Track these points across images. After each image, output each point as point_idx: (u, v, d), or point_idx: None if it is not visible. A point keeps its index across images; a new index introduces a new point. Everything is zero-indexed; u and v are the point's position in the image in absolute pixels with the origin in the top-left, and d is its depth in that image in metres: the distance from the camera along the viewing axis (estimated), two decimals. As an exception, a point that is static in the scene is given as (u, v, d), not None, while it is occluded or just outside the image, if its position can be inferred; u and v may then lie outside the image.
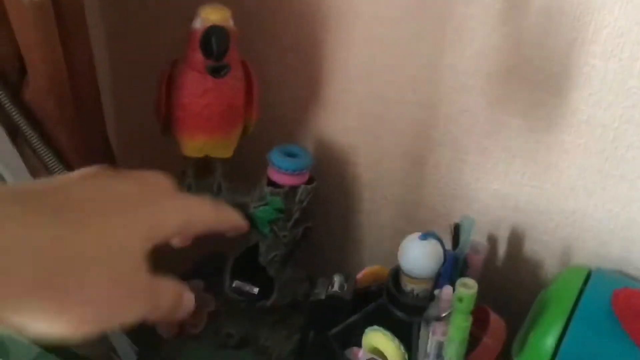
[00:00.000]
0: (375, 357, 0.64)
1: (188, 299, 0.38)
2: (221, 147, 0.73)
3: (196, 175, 0.77)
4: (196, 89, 0.67)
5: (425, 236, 0.65)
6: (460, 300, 0.58)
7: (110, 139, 0.79)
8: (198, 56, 0.65)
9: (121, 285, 0.32)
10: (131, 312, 0.33)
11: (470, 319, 0.59)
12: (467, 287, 0.58)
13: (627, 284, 0.64)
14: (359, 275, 0.72)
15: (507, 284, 0.77)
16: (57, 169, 0.62)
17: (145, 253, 0.34)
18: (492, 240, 0.76)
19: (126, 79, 0.91)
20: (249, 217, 0.77)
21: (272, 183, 0.76)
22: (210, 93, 0.67)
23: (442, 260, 0.66)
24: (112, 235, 0.32)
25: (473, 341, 0.64)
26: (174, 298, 0.37)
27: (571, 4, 0.59)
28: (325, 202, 0.87)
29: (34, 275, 0.28)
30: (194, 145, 0.72)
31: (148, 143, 0.82)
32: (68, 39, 0.57)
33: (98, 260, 0.31)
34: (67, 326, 0.30)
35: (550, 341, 0.61)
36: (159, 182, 0.40)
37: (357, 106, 0.78)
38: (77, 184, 0.34)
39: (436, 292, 0.64)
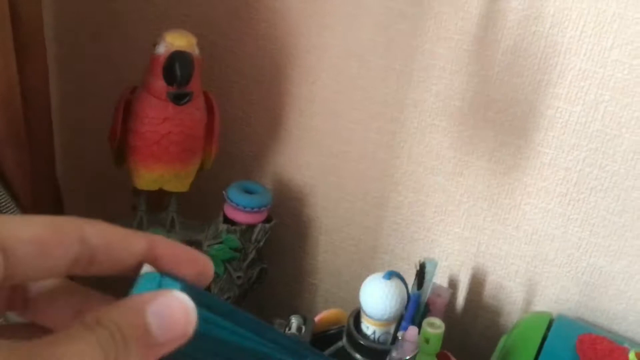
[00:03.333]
0: None
1: None
2: (178, 180, 0.70)
3: (148, 210, 0.73)
4: (156, 116, 0.64)
5: (389, 275, 0.63)
6: (427, 340, 0.56)
7: (56, 165, 0.74)
8: (159, 82, 0.63)
9: None
10: None
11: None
12: (434, 327, 0.56)
13: (589, 330, 0.64)
14: (317, 319, 0.68)
15: (467, 329, 0.75)
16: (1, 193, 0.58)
17: None
18: (453, 285, 0.75)
19: (77, 106, 0.87)
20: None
21: (228, 220, 0.73)
22: (170, 121, 0.64)
23: (406, 301, 0.64)
24: None
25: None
26: None
27: (538, 45, 0.60)
28: (280, 243, 0.84)
29: None
30: (149, 176, 0.68)
31: (97, 174, 0.78)
32: (24, 53, 0.54)
33: None
34: None
35: (516, 387, 0.59)
36: None
37: (319, 144, 0.77)
38: None
39: (399, 334, 0.61)
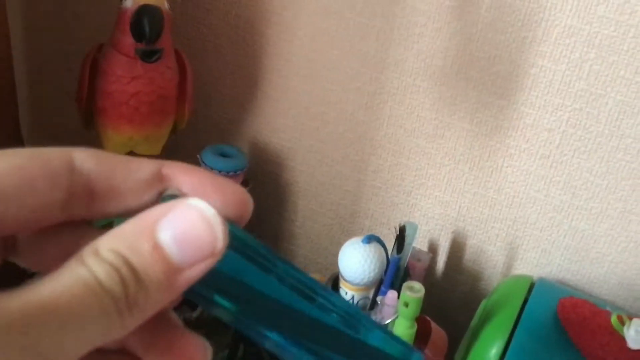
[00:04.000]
0: None
1: None
2: (149, 144, 0.67)
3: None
4: (124, 75, 0.61)
5: (367, 239, 0.61)
6: (405, 304, 0.54)
7: (23, 132, 0.71)
8: (127, 39, 0.60)
9: None
10: None
11: (415, 325, 0.55)
12: (414, 291, 0.54)
13: (570, 293, 0.63)
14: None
15: (447, 293, 0.74)
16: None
17: None
18: (433, 249, 0.73)
19: (44, 66, 0.84)
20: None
21: (203, 185, 0.71)
22: (140, 80, 0.61)
23: (385, 266, 0.62)
24: None
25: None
26: None
27: (522, 1, 0.58)
28: (257, 208, 0.82)
29: None
30: (118, 139, 0.65)
31: (66, 137, 0.75)
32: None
33: None
34: None
35: (494, 351, 0.58)
36: None
37: (297, 106, 0.74)
38: None
39: (379, 298, 0.60)
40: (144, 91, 0.62)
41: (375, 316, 0.58)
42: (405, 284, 0.55)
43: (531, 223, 0.68)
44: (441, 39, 0.63)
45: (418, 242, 0.71)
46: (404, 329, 0.55)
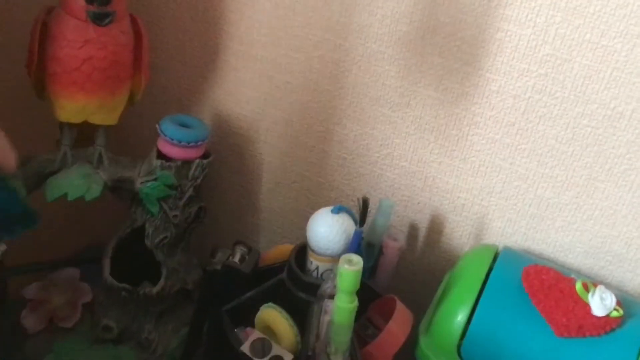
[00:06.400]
0: (264, 337, 0.57)
1: None
2: (104, 112, 0.65)
3: (75, 144, 0.67)
4: (75, 39, 0.58)
5: (337, 210, 0.60)
6: (341, 277, 0.52)
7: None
8: (78, 0, 0.57)
9: None
10: None
11: (355, 300, 0.53)
12: (352, 264, 0.52)
13: (535, 261, 0.62)
14: (265, 253, 0.65)
15: (412, 266, 0.73)
16: None
17: None
18: (398, 221, 0.72)
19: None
20: (135, 194, 0.69)
21: (162, 156, 0.69)
22: (92, 44, 0.59)
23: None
24: None
25: (379, 333, 0.60)
26: None
27: (488, -38, 0.57)
28: (221, 181, 0.80)
29: None
30: (72, 107, 0.63)
31: (19, 106, 0.72)
32: None
33: None
34: None
35: (460, 318, 0.58)
36: None
37: (260, 75, 0.72)
38: None
39: (332, 267, 0.59)
40: (97, 56, 0.59)
41: (326, 285, 0.56)
42: (343, 257, 0.52)
43: (497, 192, 0.67)
44: (406, 4, 0.62)
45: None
46: (341, 302, 0.52)
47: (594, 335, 0.55)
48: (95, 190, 0.64)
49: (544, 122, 0.61)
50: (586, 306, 0.57)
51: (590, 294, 0.57)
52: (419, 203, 0.71)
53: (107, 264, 0.70)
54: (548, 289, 0.58)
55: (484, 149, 0.65)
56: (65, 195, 0.62)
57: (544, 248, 0.67)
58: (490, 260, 0.63)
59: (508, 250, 0.65)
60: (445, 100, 0.65)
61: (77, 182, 0.64)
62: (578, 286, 0.58)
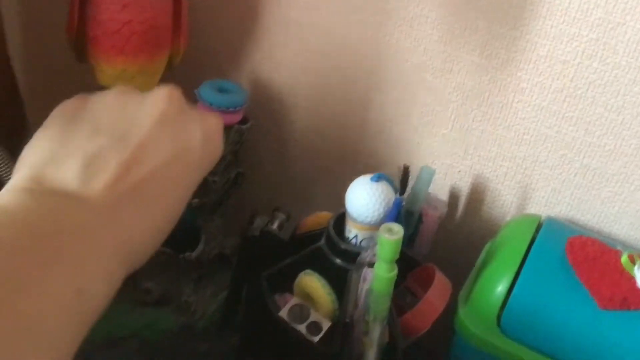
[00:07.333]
0: (303, 303, 0.57)
1: None
2: (143, 77, 0.64)
3: (114, 109, 0.68)
4: (115, 1, 0.58)
5: (377, 178, 0.59)
6: (381, 246, 0.52)
7: (14, 67, 0.68)
8: (117, -37, 0.56)
9: None
10: None
11: (395, 269, 0.52)
12: (392, 233, 0.51)
13: (580, 232, 0.61)
14: (303, 221, 0.65)
15: (452, 236, 0.72)
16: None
17: None
18: (438, 189, 0.71)
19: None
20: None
21: (201, 121, 0.69)
22: (131, 8, 0.58)
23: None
24: None
25: (417, 301, 0.59)
26: None
27: None
28: (259, 147, 0.80)
29: None
30: (112, 71, 0.63)
31: (60, 71, 0.73)
32: None
33: None
34: None
35: (500, 288, 0.57)
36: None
37: (297, 40, 0.71)
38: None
39: (372, 235, 0.58)
40: (136, 20, 0.59)
41: (365, 253, 0.56)
42: (384, 225, 0.51)
43: (541, 161, 0.65)
44: (451, -35, 0.60)
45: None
46: (380, 271, 0.52)
47: (638, 309, 0.54)
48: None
49: (593, 88, 0.59)
50: (632, 279, 0.55)
51: (636, 267, 0.55)
52: (459, 171, 0.70)
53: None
54: (592, 260, 0.57)
55: (529, 116, 0.63)
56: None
57: (589, 219, 0.65)
58: (533, 230, 0.62)
59: (552, 221, 0.64)
60: (489, 66, 0.63)
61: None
62: (624, 258, 0.56)
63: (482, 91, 0.64)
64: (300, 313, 0.57)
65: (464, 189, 0.70)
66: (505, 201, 0.69)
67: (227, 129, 0.69)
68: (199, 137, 0.38)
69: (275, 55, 0.73)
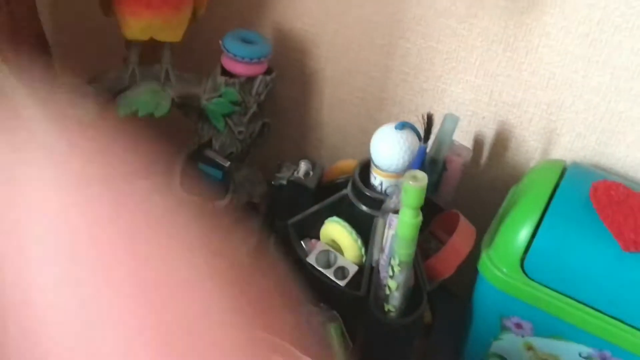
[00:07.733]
0: (330, 248, 0.59)
1: None
2: (168, 29, 0.65)
3: (140, 62, 0.69)
4: (139, -45, 0.58)
5: (401, 126, 0.60)
6: (406, 193, 0.53)
7: (42, 19, 0.69)
8: None
9: None
10: None
11: (420, 215, 0.54)
12: (416, 180, 0.52)
13: (604, 177, 0.61)
14: (329, 169, 0.66)
15: (477, 181, 0.73)
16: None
17: None
18: (463, 136, 0.72)
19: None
20: (201, 110, 0.70)
21: (226, 72, 0.69)
22: (155, -39, 0.58)
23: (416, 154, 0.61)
24: None
25: (442, 247, 0.61)
26: None
27: None
28: (284, 97, 0.80)
29: None
30: (137, 24, 0.63)
31: (87, 26, 0.74)
32: None
33: None
34: None
35: (524, 232, 0.58)
36: None
37: (321, -12, 0.71)
38: None
39: (397, 182, 0.59)
40: (161, -27, 0.59)
41: (390, 200, 0.57)
42: (408, 173, 0.52)
43: (567, 106, 0.65)
44: None
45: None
46: (405, 217, 0.53)
47: (662, 251, 0.55)
48: (164, 107, 0.66)
49: (619, 32, 0.58)
50: (656, 222, 0.56)
51: (660, 210, 0.56)
52: (484, 118, 0.70)
53: (177, 177, 0.73)
54: (617, 204, 0.57)
55: (554, 61, 0.63)
56: (136, 111, 0.64)
57: (614, 163, 0.65)
58: (557, 175, 0.62)
59: (576, 166, 0.64)
60: (514, 10, 0.62)
61: (146, 99, 0.66)
62: (648, 202, 0.56)
63: (507, 36, 0.64)
64: (328, 258, 0.58)
65: (489, 135, 0.70)
66: (530, 147, 0.69)
67: (252, 79, 0.69)
68: None
69: (298, 4, 0.73)
